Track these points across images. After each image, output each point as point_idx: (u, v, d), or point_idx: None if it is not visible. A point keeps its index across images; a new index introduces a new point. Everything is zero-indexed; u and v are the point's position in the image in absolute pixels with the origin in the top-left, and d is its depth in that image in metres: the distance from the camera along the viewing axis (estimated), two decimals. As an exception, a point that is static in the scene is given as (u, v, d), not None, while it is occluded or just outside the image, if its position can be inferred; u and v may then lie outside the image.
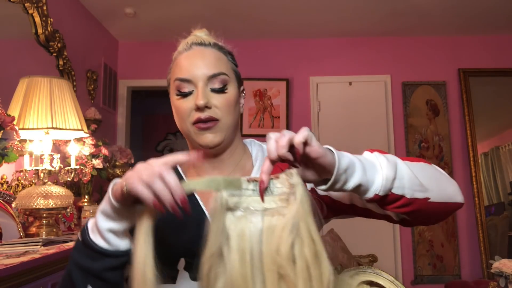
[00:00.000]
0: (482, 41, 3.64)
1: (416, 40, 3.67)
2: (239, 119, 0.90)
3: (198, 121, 0.78)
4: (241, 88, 0.90)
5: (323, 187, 0.61)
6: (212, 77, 0.79)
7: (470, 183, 3.47)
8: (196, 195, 0.80)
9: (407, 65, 3.64)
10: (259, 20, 3.25)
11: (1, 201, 1.71)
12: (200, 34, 0.86)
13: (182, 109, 0.80)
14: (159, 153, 5.49)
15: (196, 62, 0.80)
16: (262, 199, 0.56)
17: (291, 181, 0.56)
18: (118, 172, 2.89)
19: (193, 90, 0.80)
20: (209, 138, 0.79)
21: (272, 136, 0.58)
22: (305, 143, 0.56)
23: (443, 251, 3.42)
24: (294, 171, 0.57)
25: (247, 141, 0.97)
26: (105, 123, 3.17)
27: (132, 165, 3.01)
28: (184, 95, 0.80)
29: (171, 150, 5.50)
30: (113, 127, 3.53)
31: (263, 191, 0.56)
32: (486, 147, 3.56)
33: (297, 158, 0.56)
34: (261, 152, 0.90)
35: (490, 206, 3.46)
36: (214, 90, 0.80)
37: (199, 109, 0.78)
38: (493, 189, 3.50)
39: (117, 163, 2.87)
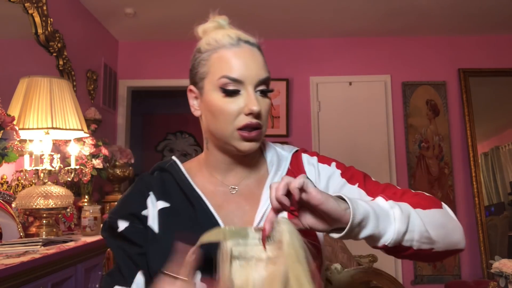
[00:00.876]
0: (482, 41, 3.64)
1: (416, 40, 3.66)
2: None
3: (247, 127, 0.73)
4: None
5: (335, 235, 0.60)
6: (262, 81, 0.75)
7: (470, 183, 3.47)
8: (199, 192, 0.77)
9: (407, 65, 3.64)
10: (259, 20, 3.25)
11: (1, 201, 1.71)
12: (235, 32, 0.79)
13: (229, 110, 0.73)
14: (159, 153, 5.49)
15: (248, 62, 0.75)
16: (264, 247, 0.57)
17: (278, 228, 0.57)
18: (118, 172, 2.89)
19: (239, 91, 0.74)
20: (251, 146, 0.75)
21: (273, 185, 0.58)
22: (302, 189, 0.56)
23: (443, 251, 3.42)
24: (281, 218, 0.58)
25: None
26: (105, 123, 3.17)
27: (131, 165, 3.01)
28: (231, 94, 0.74)
29: (171, 150, 5.50)
30: (113, 127, 3.53)
31: (264, 239, 0.57)
32: (486, 147, 3.56)
33: (294, 203, 0.57)
34: (276, 157, 0.86)
35: (490, 206, 3.46)
36: (260, 95, 0.76)
37: (251, 114, 0.73)
38: (493, 189, 3.50)
39: (117, 163, 2.87)
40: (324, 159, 0.86)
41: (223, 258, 0.57)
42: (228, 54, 0.75)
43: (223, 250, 0.57)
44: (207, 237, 0.59)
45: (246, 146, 0.75)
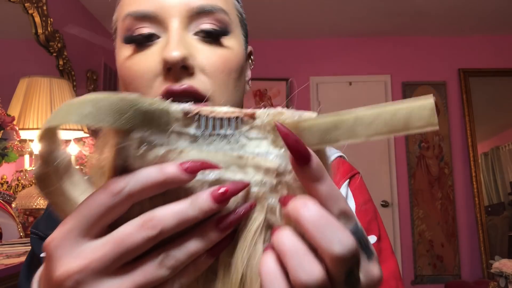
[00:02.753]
0: (482, 41, 3.64)
1: (416, 40, 3.66)
2: (242, 105, 0.50)
3: (167, 96, 0.40)
4: (249, 49, 0.52)
5: None
6: (200, 13, 0.42)
7: (470, 183, 3.47)
8: None
9: (407, 65, 3.64)
10: (259, 20, 3.25)
11: (1, 201, 1.71)
12: None
13: (137, 73, 0.43)
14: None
15: None
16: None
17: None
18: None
19: (159, 37, 0.43)
20: None
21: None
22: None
23: (443, 251, 3.42)
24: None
25: None
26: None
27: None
28: (141, 43, 0.43)
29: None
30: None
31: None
32: (486, 147, 3.56)
33: None
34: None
35: (490, 206, 3.46)
36: (202, 37, 0.43)
37: (169, 70, 0.40)
38: (493, 189, 3.50)
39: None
40: (366, 217, 0.54)
41: (111, 171, 0.25)
42: None
43: (116, 153, 0.25)
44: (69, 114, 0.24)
45: None
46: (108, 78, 3.38)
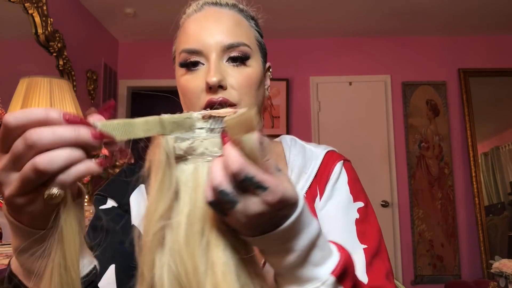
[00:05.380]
0: (482, 41, 3.64)
1: (416, 40, 3.66)
2: (263, 106, 0.69)
3: (210, 105, 0.59)
4: (267, 65, 0.72)
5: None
6: (229, 48, 0.61)
7: (470, 183, 3.47)
8: None
9: (407, 65, 3.64)
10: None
11: (1, 201, 1.71)
12: None
13: (190, 88, 0.61)
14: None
15: (208, 26, 0.62)
16: (224, 140, 0.40)
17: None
18: (118, 172, 2.89)
19: (203, 64, 0.62)
20: None
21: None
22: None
23: (443, 251, 3.42)
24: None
25: (285, 138, 0.76)
26: (105, 123, 3.17)
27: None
28: (190, 69, 0.62)
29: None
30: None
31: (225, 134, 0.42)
32: (486, 147, 3.56)
33: None
34: (301, 156, 0.70)
35: (490, 206, 3.46)
36: (231, 64, 0.62)
37: (210, 89, 0.59)
38: (493, 189, 3.50)
39: (117, 163, 2.87)
40: (356, 188, 0.68)
41: (163, 160, 0.42)
42: (189, 23, 0.64)
43: (163, 148, 0.42)
44: (138, 129, 0.42)
45: None
46: (108, 78, 3.38)
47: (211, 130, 0.43)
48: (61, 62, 2.49)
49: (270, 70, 0.74)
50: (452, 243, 3.43)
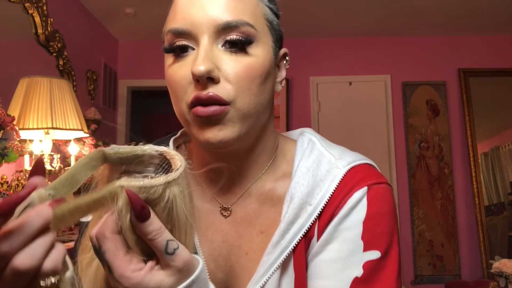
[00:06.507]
0: (482, 41, 3.64)
1: (416, 40, 3.66)
2: (272, 104, 0.55)
3: (196, 102, 0.47)
4: (281, 51, 0.55)
5: None
6: (226, 28, 0.47)
7: (470, 183, 3.47)
8: None
9: (407, 65, 3.64)
10: None
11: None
12: None
13: (176, 80, 0.49)
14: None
15: (199, 1, 0.49)
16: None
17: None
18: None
19: (193, 49, 0.49)
20: (215, 135, 0.46)
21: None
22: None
23: (443, 251, 3.42)
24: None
25: (302, 139, 0.62)
26: (105, 123, 3.17)
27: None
28: (178, 53, 0.49)
29: (171, 150, 5.49)
30: (113, 127, 3.52)
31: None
32: (486, 147, 3.56)
33: None
34: (310, 176, 0.53)
35: (490, 206, 3.46)
36: (228, 50, 0.48)
37: (198, 82, 0.46)
38: (493, 189, 3.50)
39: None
40: (375, 230, 0.50)
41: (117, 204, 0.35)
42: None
43: (113, 190, 0.35)
44: (81, 174, 0.38)
45: (206, 135, 0.47)
46: (108, 78, 3.38)
47: (159, 167, 0.40)
48: (61, 62, 2.49)
49: (287, 58, 0.57)
50: (452, 243, 3.43)
